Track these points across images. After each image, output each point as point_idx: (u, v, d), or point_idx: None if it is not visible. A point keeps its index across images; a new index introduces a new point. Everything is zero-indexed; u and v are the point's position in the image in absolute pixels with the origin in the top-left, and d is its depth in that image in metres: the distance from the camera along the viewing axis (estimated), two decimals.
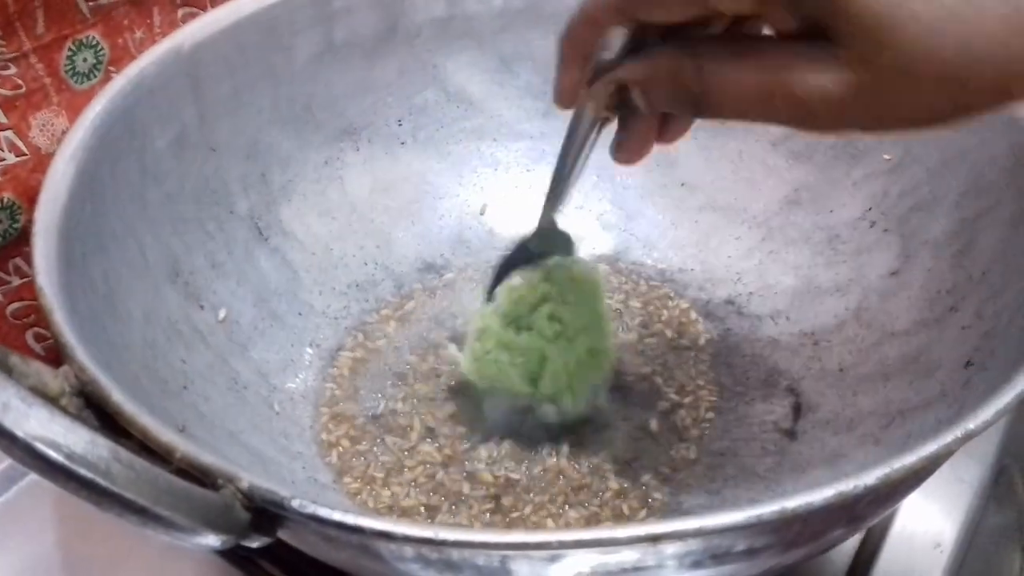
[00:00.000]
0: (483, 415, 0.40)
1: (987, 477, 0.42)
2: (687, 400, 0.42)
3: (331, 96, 0.46)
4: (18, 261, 0.43)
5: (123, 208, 0.36)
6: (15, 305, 0.44)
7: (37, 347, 0.45)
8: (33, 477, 0.40)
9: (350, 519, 0.23)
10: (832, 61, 0.22)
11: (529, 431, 0.40)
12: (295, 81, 0.44)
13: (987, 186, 0.37)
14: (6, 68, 0.39)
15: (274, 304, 0.44)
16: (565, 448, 0.39)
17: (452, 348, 0.42)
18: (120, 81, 0.37)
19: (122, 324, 0.34)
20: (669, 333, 0.45)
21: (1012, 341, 0.32)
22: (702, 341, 0.45)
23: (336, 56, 0.45)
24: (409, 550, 0.24)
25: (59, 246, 0.31)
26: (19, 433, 0.21)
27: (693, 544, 0.24)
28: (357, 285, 0.47)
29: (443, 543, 0.22)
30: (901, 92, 0.22)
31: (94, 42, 0.42)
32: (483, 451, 0.39)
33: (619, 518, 0.37)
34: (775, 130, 0.45)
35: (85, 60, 0.42)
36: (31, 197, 0.41)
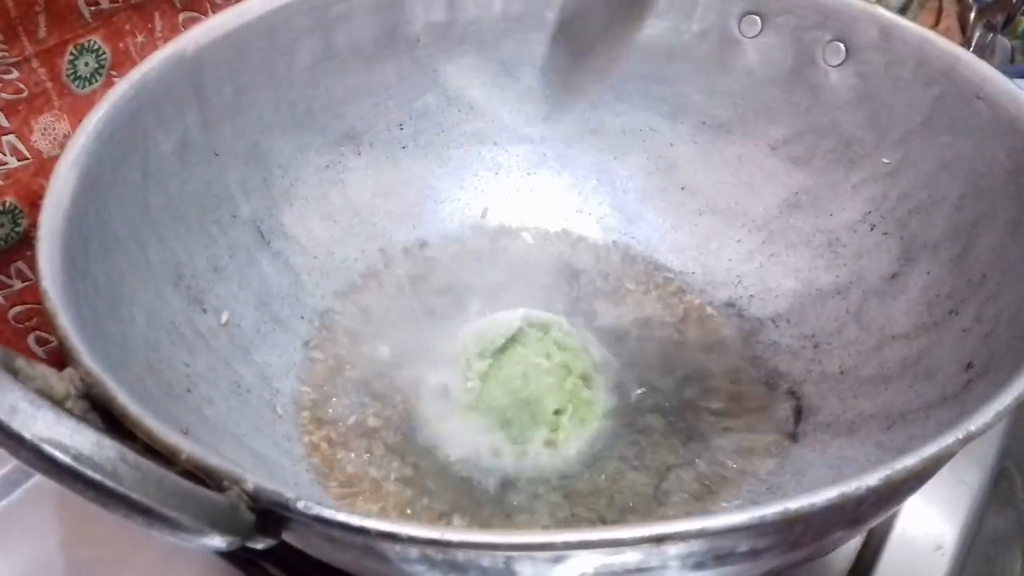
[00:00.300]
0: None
1: (988, 479, 0.42)
2: (687, 402, 0.42)
3: (332, 101, 0.46)
4: (20, 265, 0.43)
5: (126, 212, 0.36)
6: (17, 308, 0.44)
7: (39, 350, 0.45)
8: (36, 480, 0.40)
9: (355, 520, 0.23)
10: None
11: None
12: (296, 86, 0.45)
13: (986, 189, 0.38)
14: (8, 72, 0.39)
15: (276, 307, 0.44)
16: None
17: None
18: (123, 86, 0.37)
19: (125, 327, 0.34)
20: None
21: (1012, 344, 0.32)
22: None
23: (337, 61, 0.45)
24: (414, 551, 0.24)
25: (63, 250, 0.31)
26: (27, 435, 0.21)
27: (696, 545, 0.24)
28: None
29: (448, 544, 0.22)
30: None
31: (96, 47, 0.42)
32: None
33: (619, 520, 0.37)
34: (774, 134, 0.45)
35: (87, 64, 0.42)
36: (33, 201, 0.41)
